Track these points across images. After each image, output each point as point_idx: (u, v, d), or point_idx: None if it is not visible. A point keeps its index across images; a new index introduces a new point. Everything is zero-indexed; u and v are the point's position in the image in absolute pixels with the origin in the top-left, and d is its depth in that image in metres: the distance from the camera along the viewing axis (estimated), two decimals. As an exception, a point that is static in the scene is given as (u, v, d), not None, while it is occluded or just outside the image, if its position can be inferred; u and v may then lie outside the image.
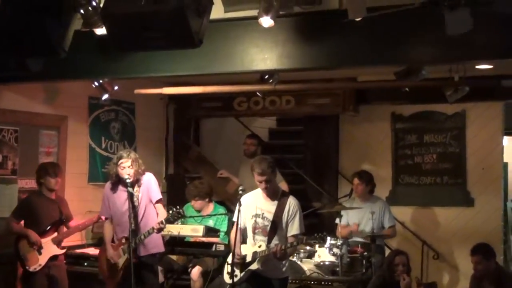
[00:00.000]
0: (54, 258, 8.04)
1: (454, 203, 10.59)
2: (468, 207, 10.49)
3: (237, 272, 7.02)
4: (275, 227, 6.98)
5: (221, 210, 9.33)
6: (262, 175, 6.91)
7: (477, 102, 10.20)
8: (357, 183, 9.20)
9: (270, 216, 7.00)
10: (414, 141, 10.94)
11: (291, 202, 7.05)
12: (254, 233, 7.06)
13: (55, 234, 8.05)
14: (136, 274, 7.22)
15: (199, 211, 9.26)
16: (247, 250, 7.10)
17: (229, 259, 7.13)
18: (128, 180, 7.43)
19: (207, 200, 9.28)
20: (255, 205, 7.02)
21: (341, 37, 6.22)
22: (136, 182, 7.62)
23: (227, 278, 7.20)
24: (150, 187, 7.72)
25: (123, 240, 7.51)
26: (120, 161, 7.51)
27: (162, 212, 7.70)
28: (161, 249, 7.87)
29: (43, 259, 7.94)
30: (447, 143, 10.73)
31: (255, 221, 7.04)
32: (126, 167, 7.48)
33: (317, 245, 8.39)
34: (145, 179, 7.70)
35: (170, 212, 7.42)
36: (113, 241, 7.73)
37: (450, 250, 10.58)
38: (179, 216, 7.48)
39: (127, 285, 7.34)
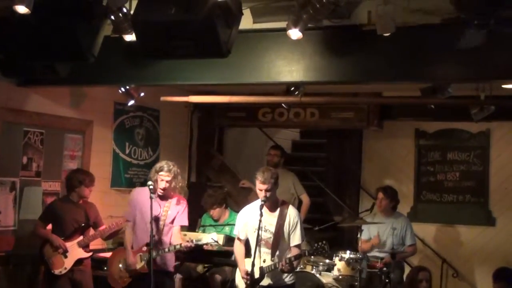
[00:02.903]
0: (79, 262, 8.03)
1: (476, 222, 10.51)
2: (490, 227, 10.42)
3: None
4: (278, 239, 6.98)
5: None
6: (263, 184, 6.88)
7: (502, 122, 10.13)
8: (381, 197, 9.16)
9: (272, 228, 6.99)
10: (437, 158, 10.91)
11: (291, 213, 7.04)
12: (258, 245, 7.04)
13: (81, 237, 8.04)
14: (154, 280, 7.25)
15: (217, 220, 9.32)
16: (252, 264, 7.08)
17: (238, 276, 7.22)
18: (160, 193, 7.44)
19: (223, 206, 9.34)
20: (256, 218, 6.98)
21: (368, 52, 6.25)
22: (168, 198, 7.58)
23: None
24: (183, 212, 7.62)
25: (144, 248, 7.43)
26: (161, 172, 7.43)
27: (177, 236, 7.60)
28: (171, 268, 7.77)
29: (68, 263, 7.92)
30: (470, 161, 10.68)
31: (258, 233, 7.00)
32: (164, 180, 7.43)
33: (336, 258, 8.38)
34: (180, 203, 7.65)
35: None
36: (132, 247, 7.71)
37: (470, 269, 10.51)
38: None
39: None
